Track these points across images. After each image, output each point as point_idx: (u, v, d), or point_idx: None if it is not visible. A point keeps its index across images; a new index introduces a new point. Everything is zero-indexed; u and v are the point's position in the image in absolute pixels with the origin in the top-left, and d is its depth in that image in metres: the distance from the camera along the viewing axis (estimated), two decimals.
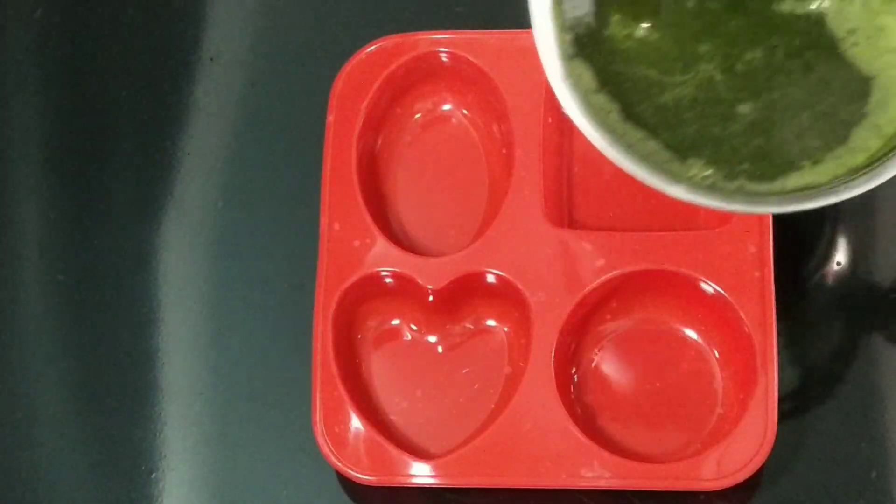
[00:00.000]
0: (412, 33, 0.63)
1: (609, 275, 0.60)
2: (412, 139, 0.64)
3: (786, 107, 0.51)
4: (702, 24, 0.51)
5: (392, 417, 0.62)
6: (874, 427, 0.61)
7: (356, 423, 0.60)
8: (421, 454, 0.60)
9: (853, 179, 0.50)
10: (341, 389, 0.60)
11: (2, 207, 0.67)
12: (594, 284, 0.60)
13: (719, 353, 0.61)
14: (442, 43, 0.63)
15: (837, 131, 0.51)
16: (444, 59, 0.63)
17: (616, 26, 0.52)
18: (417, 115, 0.65)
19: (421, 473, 0.59)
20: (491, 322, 0.63)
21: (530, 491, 0.60)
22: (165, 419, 0.64)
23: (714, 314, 0.61)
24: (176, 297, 0.65)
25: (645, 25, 0.51)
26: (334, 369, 0.60)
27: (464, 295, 0.61)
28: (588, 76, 0.52)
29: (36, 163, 0.67)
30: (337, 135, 0.62)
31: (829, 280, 0.62)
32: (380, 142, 0.64)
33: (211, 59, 0.68)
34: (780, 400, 0.58)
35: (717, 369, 0.61)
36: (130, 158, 0.67)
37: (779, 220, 0.60)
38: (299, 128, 0.66)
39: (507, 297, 0.61)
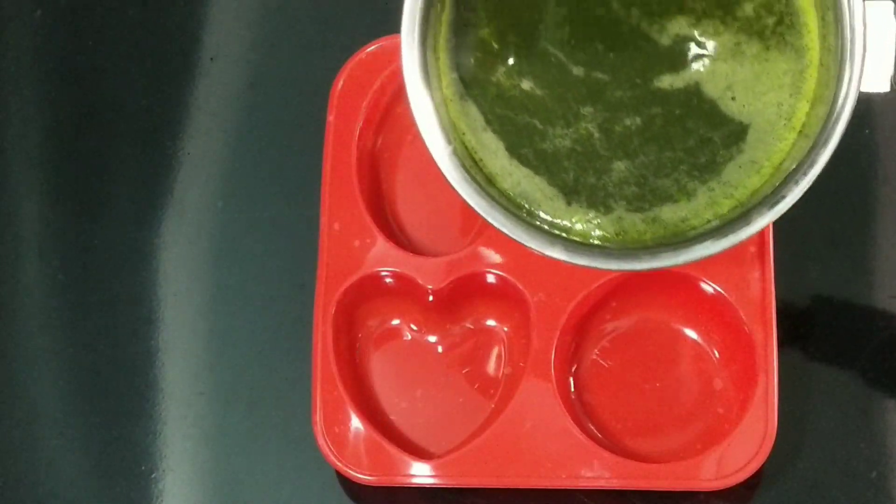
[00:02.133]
0: None
1: (609, 275, 0.60)
2: (412, 139, 0.64)
3: (660, 166, 0.52)
4: (586, 90, 0.52)
5: (392, 417, 0.62)
6: (874, 427, 0.61)
7: (356, 423, 0.60)
8: (421, 454, 0.60)
9: (723, 231, 0.50)
10: (341, 389, 0.60)
11: (2, 207, 0.67)
12: (594, 284, 0.60)
13: (719, 353, 0.61)
14: None
15: (712, 169, 0.52)
16: None
17: (502, 76, 0.52)
18: None
19: (421, 473, 0.59)
20: (491, 322, 0.63)
21: (530, 491, 0.60)
22: (165, 419, 0.64)
23: (714, 314, 0.61)
24: (176, 297, 0.65)
25: (529, 82, 0.52)
26: (334, 369, 0.60)
27: (464, 295, 0.61)
28: (475, 113, 0.53)
29: (36, 163, 0.67)
30: (337, 135, 0.62)
31: (830, 280, 0.62)
32: (380, 142, 0.64)
33: (211, 59, 0.68)
34: (780, 400, 0.58)
35: (717, 369, 0.61)
36: (130, 158, 0.67)
37: (778, 220, 0.60)
38: (299, 128, 0.66)
39: (507, 297, 0.61)
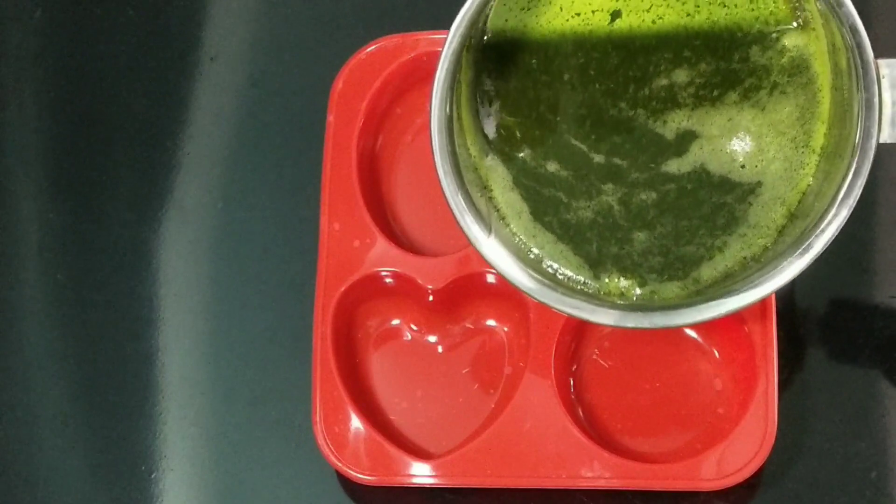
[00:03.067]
0: (412, 33, 0.63)
1: None
2: (412, 139, 0.64)
3: (678, 235, 0.54)
4: (606, 171, 0.54)
5: (392, 417, 0.62)
6: (874, 427, 0.61)
7: (356, 423, 0.60)
8: (421, 454, 0.60)
9: (771, 263, 0.52)
10: (341, 389, 0.60)
11: (2, 207, 0.67)
12: None
13: (719, 353, 0.61)
14: (442, 43, 0.63)
15: (734, 223, 0.54)
16: None
17: (528, 157, 0.54)
18: (417, 116, 0.65)
19: (421, 473, 0.59)
20: (491, 322, 0.63)
21: (530, 491, 0.60)
22: (165, 419, 0.64)
23: None
24: (176, 297, 0.65)
25: (555, 165, 0.54)
26: (334, 369, 0.60)
27: (464, 295, 0.61)
28: (503, 171, 0.54)
29: (36, 163, 0.67)
30: (337, 135, 0.62)
31: (830, 280, 0.62)
32: (380, 142, 0.64)
33: (211, 59, 0.68)
34: (780, 400, 0.58)
35: (717, 369, 0.61)
36: (130, 158, 0.67)
37: None
38: (299, 128, 0.66)
39: (507, 297, 0.61)
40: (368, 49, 0.63)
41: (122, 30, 0.69)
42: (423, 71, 0.63)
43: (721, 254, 0.54)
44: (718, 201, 0.54)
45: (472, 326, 0.63)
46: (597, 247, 0.54)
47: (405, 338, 0.63)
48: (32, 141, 0.68)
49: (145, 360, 0.64)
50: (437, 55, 0.63)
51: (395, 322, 0.63)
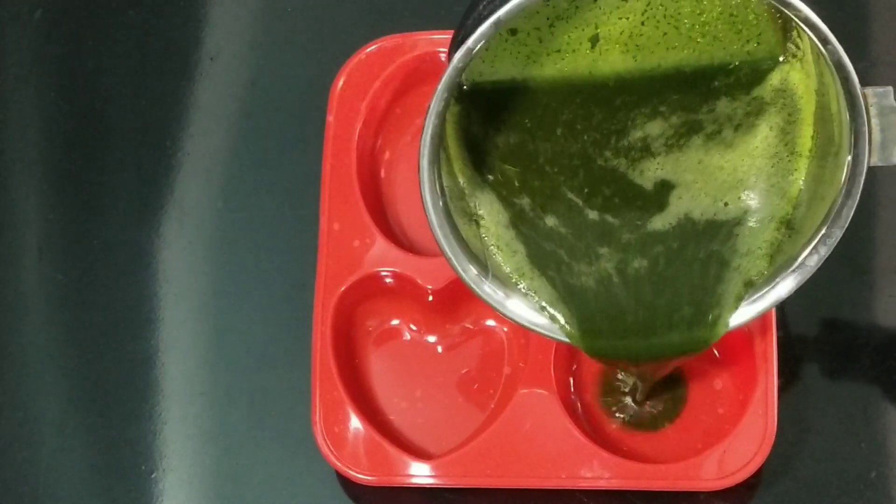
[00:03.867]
0: (412, 33, 0.63)
1: None
2: (412, 139, 0.64)
3: (678, 305, 0.54)
4: (601, 230, 0.53)
5: (391, 417, 0.62)
6: (874, 427, 0.61)
7: (356, 423, 0.60)
8: (420, 454, 0.60)
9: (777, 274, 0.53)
10: (341, 389, 0.60)
11: (2, 207, 0.67)
12: None
13: (719, 353, 0.61)
14: (442, 43, 0.63)
15: (726, 262, 0.54)
16: (444, 58, 0.63)
17: (527, 206, 0.54)
18: (417, 116, 0.65)
19: (420, 473, 0.59)
20: (491, 322, 0.63)
21: (530, 491, 0.60)
22: (165, 419, 0.64)
23: None
24: (176, 297, 0.65)
25: (553, 219, 0.53)
26: (334, 369, 0.60)
27: (463, 295, 0.61)
28: (497, 205, 0.54)
29: (36, 163, 0.67)
30: (337, 135, 0.62)
31: (829, 280, 0.62)
32: (380, 142, 0.64)
33: (211, 59, 0.68)
34: (780, 400, 0.58)
35: (717, 369, 0.61)
36: (130, 158, 0.67)
37: None
38: (299, 128, 0.66)
39: None
40: (368, 49, 0.63)
41: (122, 30, 0.69)
42: (422, 71, 0.63)
43: (724, 296, 0.54)
44: (707, 253, 0.53)
45: (471, 326, 0.63)
46: (603, 323, 0.54)
47: (405, 338, 0.63)
48: (32, 141, 0.68)
49: (145, 360, 0.64)
50: (437, 55, 0.63)
51: (395, 322, 0.63)
